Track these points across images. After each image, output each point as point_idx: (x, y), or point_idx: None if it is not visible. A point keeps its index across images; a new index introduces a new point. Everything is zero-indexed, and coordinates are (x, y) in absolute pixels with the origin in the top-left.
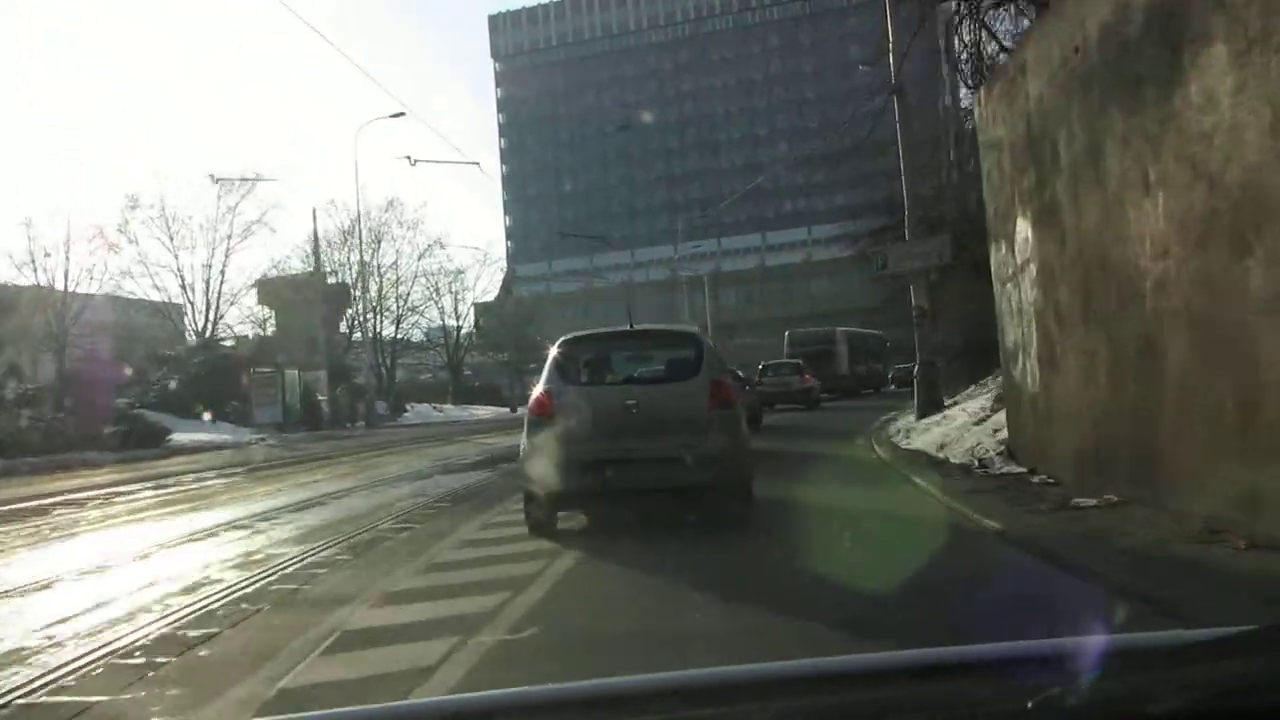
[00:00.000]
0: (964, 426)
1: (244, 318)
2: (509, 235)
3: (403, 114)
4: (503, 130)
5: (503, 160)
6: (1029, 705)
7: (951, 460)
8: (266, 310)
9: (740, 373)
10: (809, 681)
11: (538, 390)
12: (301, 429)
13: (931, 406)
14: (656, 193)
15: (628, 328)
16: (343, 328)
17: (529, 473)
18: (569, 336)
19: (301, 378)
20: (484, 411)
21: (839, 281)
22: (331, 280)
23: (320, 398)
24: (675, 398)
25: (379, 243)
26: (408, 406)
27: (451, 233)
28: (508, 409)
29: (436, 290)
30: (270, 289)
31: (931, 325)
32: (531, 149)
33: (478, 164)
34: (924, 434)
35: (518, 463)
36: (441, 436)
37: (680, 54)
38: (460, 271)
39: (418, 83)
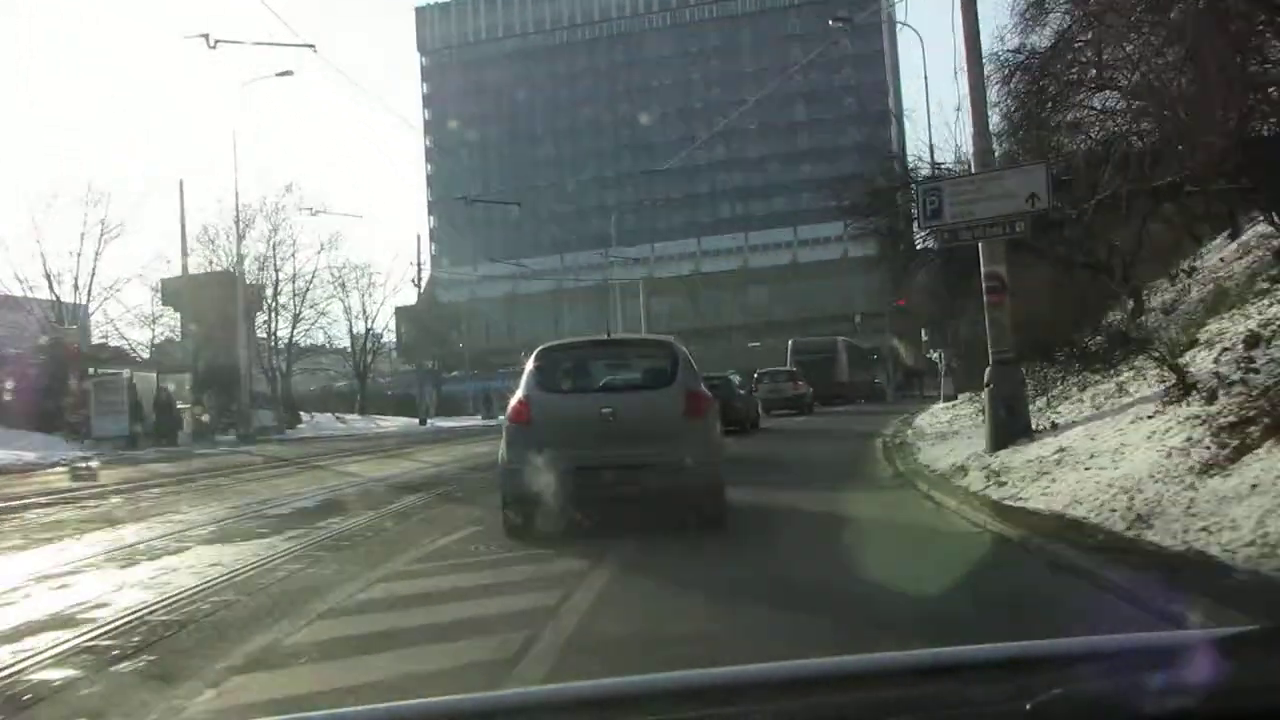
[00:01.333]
0: (1170, 475)
1: (125, 313)
2: (433, 237)
3: (290, 73)
4: (428, 127)
5: (428, 159)
6: (1028, 706)
7: (1221, 560)
8: (160, 308)
9: (737, 378)
10: (809, 682)
11: (515, 398)
12: (157, 443)
13: (1017, 431)
14: (588, 196)
15: (605, 337)
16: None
17: (506, 479)
18: (547, 345)
19: (158, 382)
20: (392, 424)
21: (776, 290)
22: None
23: (182, 406)
24: (651, 406)
25: (275, 230)
26: (306, 416)
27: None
28: (418, 421)
29: (343, 286)
30: (172, 288)
31: (1009, 306)
32: (458, 147)
33: (312, 46)
34: (1038, 482)
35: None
36: (302, 459)
37: (615, 52)
38: (371, 270)
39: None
